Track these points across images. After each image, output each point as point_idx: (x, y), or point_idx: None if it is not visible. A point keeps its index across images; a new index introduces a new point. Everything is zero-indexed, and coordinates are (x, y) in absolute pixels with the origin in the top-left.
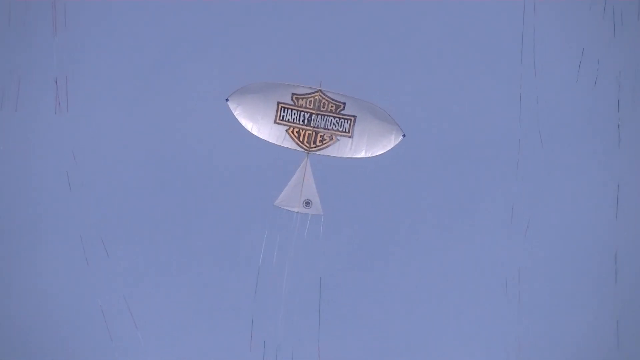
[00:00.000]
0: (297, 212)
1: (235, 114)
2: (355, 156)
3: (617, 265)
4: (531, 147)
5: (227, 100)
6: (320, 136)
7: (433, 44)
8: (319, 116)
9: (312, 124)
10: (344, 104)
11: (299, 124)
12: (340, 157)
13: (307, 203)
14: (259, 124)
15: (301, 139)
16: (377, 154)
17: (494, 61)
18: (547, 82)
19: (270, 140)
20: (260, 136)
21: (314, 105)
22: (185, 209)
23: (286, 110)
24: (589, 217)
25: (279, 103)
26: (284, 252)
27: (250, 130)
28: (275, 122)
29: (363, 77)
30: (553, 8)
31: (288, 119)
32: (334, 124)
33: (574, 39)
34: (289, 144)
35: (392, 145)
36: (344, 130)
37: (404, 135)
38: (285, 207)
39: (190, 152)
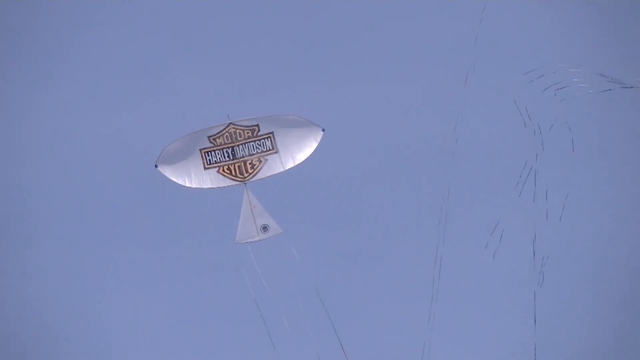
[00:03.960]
0: (259, 240)
1: (167, 176)
2: (287, 168)
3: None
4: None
5: (156, 166)
6: (249, 163)
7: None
8: (240, 146)
9: (237, 156)
10: (257, 125)
11: (226, 160)
12: (274, 174)
13: (265, 228)
14: (191, 176)
15: (234, 174)
16: (306, 157)
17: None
18: None
19: (207, 186)
20: (197, 186)
21: (231, 138)
22: (161, 265)
23: (210, 153)
24: None
25: (201, 150)
26: (269, 278)
27: (187, 185)
28: (205, 168)
29: (263, 95)
30: None
31: (215, 161)
32: (256, 147)
33: None
34: (225, 182)
35: (316, 144)
36: (267, 149)
37: (323, 130)
38: (246, 241)
39: (140, 217)
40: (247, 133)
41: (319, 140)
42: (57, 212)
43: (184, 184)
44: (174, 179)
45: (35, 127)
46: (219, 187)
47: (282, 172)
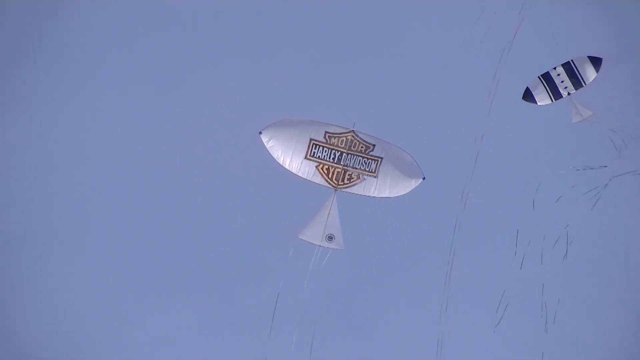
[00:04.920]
0: (319, 246)
1: (267, 146)
2: (379, 196)
3: None
4: None
5: (260, 133)
6: (349, 174)
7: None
8: (349, 155)
9: (342, 163)
10: (374, 145)
11: (329, 161)
12: (365, 195)
13: (330, 238)
14: (290, 158)
15: (330, 176)
16: (400, 194)
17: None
18: None
19: (300, 175)
20: (291, 170)
21: (345, 144)
22: (213, 233)
23: (317, 147)
24: None
25: (311, 140)
26: (303, 281)
27: (281, 163)
28: (305, 157)
29: (394, 121)
30: None
31: (319, 156)
32: (362, 163)
33: None
34: (318, 179)
35: (412, 187)
36: (370, 170)
37: (423, 178)
38: (308, 240)
39: (221, 181)
40: (362, 147)
41: (416, 185)
42: (76, 222)
43: (277, 160)
44: (272, 152)
45: (66, 136)
46: (309, 181)
47: (371, 196)
